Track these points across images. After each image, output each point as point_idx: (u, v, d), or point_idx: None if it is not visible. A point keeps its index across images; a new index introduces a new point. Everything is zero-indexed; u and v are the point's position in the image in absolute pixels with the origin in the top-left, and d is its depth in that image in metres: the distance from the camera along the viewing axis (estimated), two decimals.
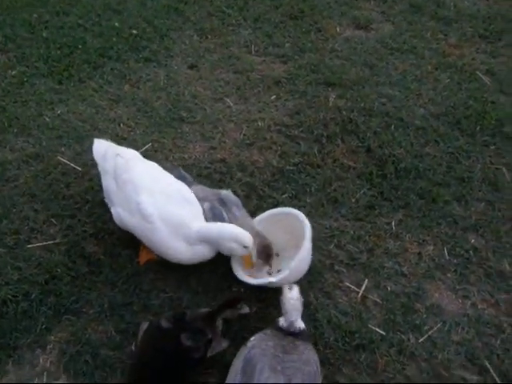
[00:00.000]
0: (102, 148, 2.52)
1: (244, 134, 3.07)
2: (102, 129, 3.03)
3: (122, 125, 3.09)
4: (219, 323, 2.21)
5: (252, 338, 2.00)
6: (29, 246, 2.54)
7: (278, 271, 2.16)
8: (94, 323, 2.30)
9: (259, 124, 3.13)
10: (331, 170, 2.89)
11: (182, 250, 2.30)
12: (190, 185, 2.54)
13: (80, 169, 2.83)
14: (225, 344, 2.18)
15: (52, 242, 2.56)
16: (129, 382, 2.02)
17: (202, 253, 2.33)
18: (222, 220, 2.38)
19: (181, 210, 2.31)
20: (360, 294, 2.40)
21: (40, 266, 2.46)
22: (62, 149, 2.94)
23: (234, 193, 2.64)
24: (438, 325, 2.30)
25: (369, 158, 2.95)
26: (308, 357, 1.92)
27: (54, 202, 2.71)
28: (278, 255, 2.53)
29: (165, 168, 2.49)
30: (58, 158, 2.88)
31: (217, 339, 2.16)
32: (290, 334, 1.99)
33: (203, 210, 2.41)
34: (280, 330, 2.01)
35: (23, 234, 2.58)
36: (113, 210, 2.41)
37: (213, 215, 2.40)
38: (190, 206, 2.35)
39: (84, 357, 2.20)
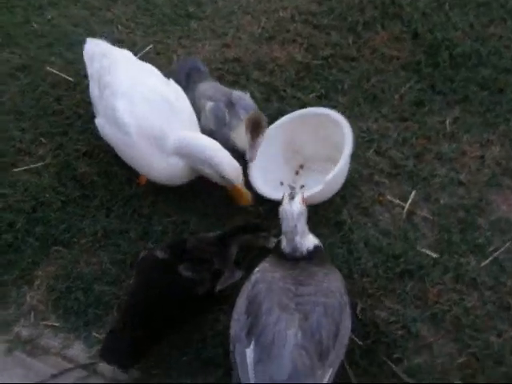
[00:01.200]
0: (93, 49, 2.09)
1: (262, 27, 2.55)
2: (97, 32, 2.57)
3: (119, 26, 2.63)
4: (233, 250, 1.82)
5: (256, 270, 1.59)
6: (15, 169, 2.20)
7: (301, 187, 1.74)
8: (86, 254, 1.96)
9: (281, 14, 2.59)
10: (369, 62, 2.36)
11: (156, 162, 1.86)
12: (203, 79, 2.14)
13: (72, 79, 2.42)
14: (238, 275, 1.78)
15: (41, 163, 2.20)
16: (121, 323, 1.67)
17: (179, 168, 1.86)
18: (223, 125, 1.93)
19: (163, 120, 1.84)
20: (406, 209, 1.93)
21: (27, 191, 2.12)
22: (52, 58, 2.52)
23: (251, 95, 2.18)
24: (507, 244, 1.81)
25: (416, 46, 2.38)
26: (329, 285, 1.50)
27: (42, 118, 2.33)
28: (302, 167, 2.08)
29: (176, 62, 2.14)
30: (47, 68, 2.47)
31: (228, 269, 1.77)
32: (298, 258, 1.57)
33: (205, 110, 1.97)
34: (283, 256, 1.60)
35: (8, 157, 2.23)
36: (96, 121, 2.00)
37: (214, 117, 1.96)
38: (176, 115, 1.88)
39: (75, 293, 1.88)
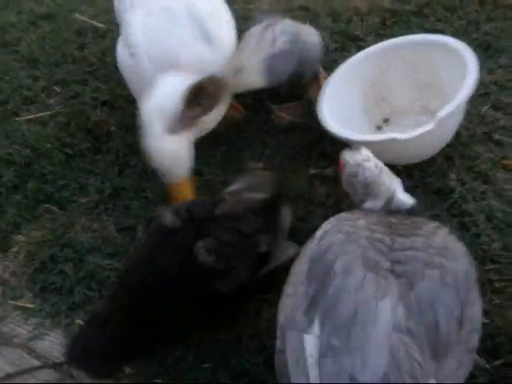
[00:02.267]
0: None
1: None
2: None
3: None
4: (286, 220, 1.23)
5: (326, 222, 1.00)
6: (17, 118, 1.73)
7: None
8: (85, 217, 1.43)
9: None
10: (477, 11, 1.80)
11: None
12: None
13: (101, 25, 1.99)
14: (291, 251, 1.17)
15: (49, 112, 1.73)
16: (105, 312, 1.07)
17: None
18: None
19: (186, 47, 1.31)
20: None
21: (26, 142, 1.64)
22: (83, 7, 2.11)
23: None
24: None
25: None
26: (447, 243, 0.89)
27: (60, 66, 1.89)
28: (386, 121, 1.50)
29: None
30: (75, 15, 2.06)
31: (279, 243, 1.18)
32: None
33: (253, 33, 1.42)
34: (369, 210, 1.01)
35: (11, 105, 1.78)
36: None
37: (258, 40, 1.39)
38: (208, 41, 1.33)
39: (61, 265, 1.33)
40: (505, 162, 1.36)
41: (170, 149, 1.24)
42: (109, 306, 1.05)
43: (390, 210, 1.01)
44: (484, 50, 1.65)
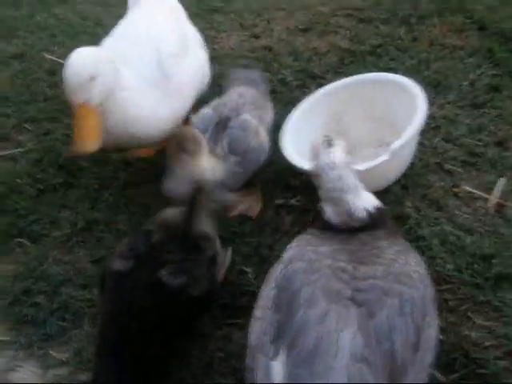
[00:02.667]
0: None
1: (298, 20, 2.19)
2: (107, 25, 2.24)
3: None
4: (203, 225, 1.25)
5: (289, 245, 1.08)
6: None
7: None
8: (57, 251, 1.47)
9: (320, 9, 2.24)
10: (427, 51, 1.94)
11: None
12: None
13: None
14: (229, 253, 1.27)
15: (20, 150, 1.77)
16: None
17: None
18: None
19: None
20: (493, 202, 1.41)
21: None
22: (54, 47, 2.18)
23: (282, 80, 1.78)
24: None
25: (484, 36, 1.98)
26: (406, 267, 0.97)
27: (31, 104, 1.94)
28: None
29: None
30: (46, 55, 2.12)
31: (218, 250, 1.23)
32: (354, 229, 1.07)
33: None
34: (330, 227, 1.08)
35: None
36: None
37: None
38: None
39: (35, 298, 1.36)
40: (455, 189, 1.47)
41: None
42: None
43: (350, 220, 1.07)
44: (434, 87, 1.78)
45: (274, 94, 1.84)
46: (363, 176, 1.24)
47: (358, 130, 1.58)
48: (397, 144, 1.31)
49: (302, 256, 1.01)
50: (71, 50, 2.05)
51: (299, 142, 1.48)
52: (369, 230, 1.05)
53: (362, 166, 1.26)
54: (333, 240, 1.05)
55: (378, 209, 1.08)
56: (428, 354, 0.93)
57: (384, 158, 1.29)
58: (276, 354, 0.88)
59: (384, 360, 0.85)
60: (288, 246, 1.07)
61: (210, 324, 1.25)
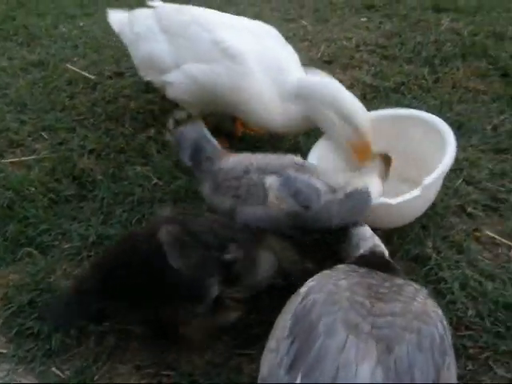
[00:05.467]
0: (125, 16, 1.73)
1: (323, 53, 2.20)
2: None
3: None
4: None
5: (310, 280, 1.04)
6: (2, 160, 1.74)
7: None
8: (67, 263, 1.42)
9: (344, 43, 2.25)
10: (449, 93, 1.94)
11: (273, 105, 1.49)
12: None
13: (93, 77, 2.04)
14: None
15: (35, 157, 1.74)
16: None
17: (295, 115, 1.50)
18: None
19: (278, 51, 1.56)
20: None
21: (9, 184, 1.63)
22: (75, 58, 2.17)
23: None
24: None
25: (507, 83, 1.98)
26: (425, 307, 0.94)
27: (49, 113, 1.92)
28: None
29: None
30: (67, 65, 2.11)
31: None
32: (374, 264, 1.04)
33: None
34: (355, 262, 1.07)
35: None
36: (173, 77, 1.58)
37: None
38: (286, 48, 1.61)
39: (38, 310, 1.31)
40: (477, 233, 1.44)
41: None
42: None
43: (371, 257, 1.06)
44: (456, 129, 1.76)
45: None
46: (393, 210, 1.21)
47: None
48: (429, 180, 1.29)
49: (321, 288, 0.98)
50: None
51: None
52: (388, 270, 1.03)
53: (394, 201, 1.24)
54: (355, 273, 1.02)
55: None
56: None
57: (416, 193, 1.27)
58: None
59: None
60: (307, 281, 1.03)
61: (221, 353, 1.20)
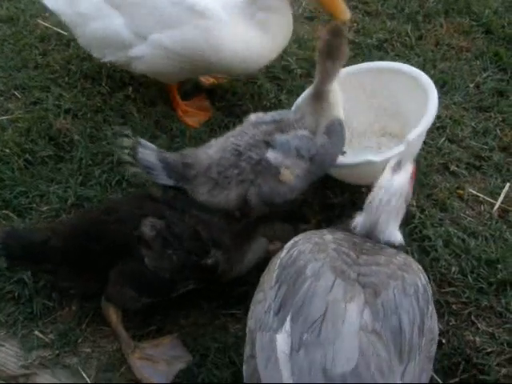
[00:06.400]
0: None
1: (304, 9, 2.14)
2: None
3: None
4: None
5: (295, 237, 1.03)
6: None
7: None
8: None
9: None
10: (432, 51, 1.92)
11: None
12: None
13: (66, 33, 1.95)
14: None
15: (8, 117, 1.68)
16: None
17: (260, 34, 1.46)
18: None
19: None
20: (496, 207, 1.40)
21: None
22: (47, 14, 2.06)
23: (286, 68, 1.73)
24: None
25: (490, 40, 1.96)
26: (407, 261, 0.96)
27: (21, 71, 1.84)
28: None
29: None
30: (38, 21, 2.02)
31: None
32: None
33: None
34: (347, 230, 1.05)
35: None
36: (139, 51, 1.50)
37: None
38: None
39: (19, 274, 1.28)
40: (460, 191, 1.45)
41: None
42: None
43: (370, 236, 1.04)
44: (440, 87, 1.75)
45: (277, 80, 1.81)
46: (378, 166, 1.20)
47: (360, 120, 1.54)
48: (413, 135, 1.28)
49: (308, 240, 0.98)
50: None
51: None
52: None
53: (378, 157, 1.22)
54: (340, 233, 1.02)
55: (399, 245, 1.03)
56: (433, 345, 0.92)
57: (400, 148, 1.26)
58: (280, 326, 0.85)
59: (393, 336, 0.84)
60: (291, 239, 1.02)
61: (206, 313, 1.20)
